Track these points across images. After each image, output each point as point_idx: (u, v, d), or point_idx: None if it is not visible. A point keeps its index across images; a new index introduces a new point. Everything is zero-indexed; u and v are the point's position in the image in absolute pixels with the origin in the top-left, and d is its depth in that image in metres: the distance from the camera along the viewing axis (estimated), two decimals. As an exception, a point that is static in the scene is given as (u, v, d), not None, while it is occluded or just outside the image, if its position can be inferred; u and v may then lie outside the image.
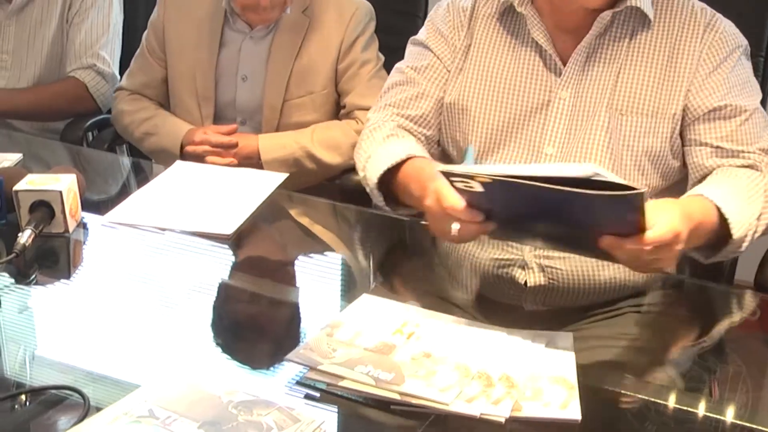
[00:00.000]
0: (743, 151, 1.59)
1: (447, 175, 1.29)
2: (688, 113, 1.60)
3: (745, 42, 1.65)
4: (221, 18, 2.16)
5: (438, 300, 1.42)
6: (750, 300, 1.52)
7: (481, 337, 1.25)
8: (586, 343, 1.29)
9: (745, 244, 1.49)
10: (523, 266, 1.56)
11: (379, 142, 1.69)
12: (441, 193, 1.34)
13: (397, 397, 1.10)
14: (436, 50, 1.71)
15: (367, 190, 1.69)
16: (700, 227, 1.40)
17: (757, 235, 1.51)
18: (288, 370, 1.17)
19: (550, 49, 1.62)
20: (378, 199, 1.66)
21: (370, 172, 1.65)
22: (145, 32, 2.28)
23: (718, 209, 1.43)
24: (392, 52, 2.10)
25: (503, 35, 1.67)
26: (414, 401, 1.10)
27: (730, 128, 1.59)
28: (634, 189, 1.16)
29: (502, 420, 1.07)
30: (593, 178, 1.19)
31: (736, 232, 1.44)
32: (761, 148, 1.59)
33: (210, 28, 2.17)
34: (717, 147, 1.59)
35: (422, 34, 1.76)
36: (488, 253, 1.59)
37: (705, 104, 1.59)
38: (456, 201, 1.32)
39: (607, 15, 1.58)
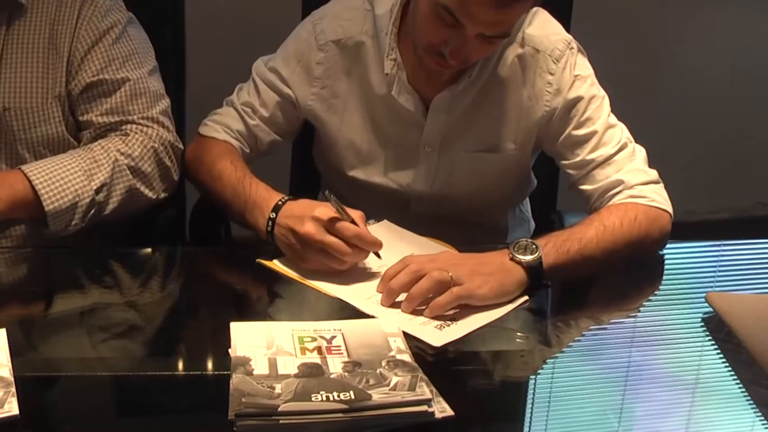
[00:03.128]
0: (128, 121, 1.61)
1: None
2: (72, 92, 1.60)
3: (128, 15, 1.66)
4: None
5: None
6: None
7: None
8: (29, 334, 1.28)
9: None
10: None
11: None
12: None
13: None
14: None
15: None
16: None
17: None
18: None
19: None
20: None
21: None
22: None
23: None
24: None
25: None
26: None
27: (113, 102, 1.61)
28: None
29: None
30: None
31: None
32: (146, 116, 1.63)
33: None
34: (98, 122, 1.61)
35: None
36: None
37: (85, 79, 1.59)
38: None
39: None
